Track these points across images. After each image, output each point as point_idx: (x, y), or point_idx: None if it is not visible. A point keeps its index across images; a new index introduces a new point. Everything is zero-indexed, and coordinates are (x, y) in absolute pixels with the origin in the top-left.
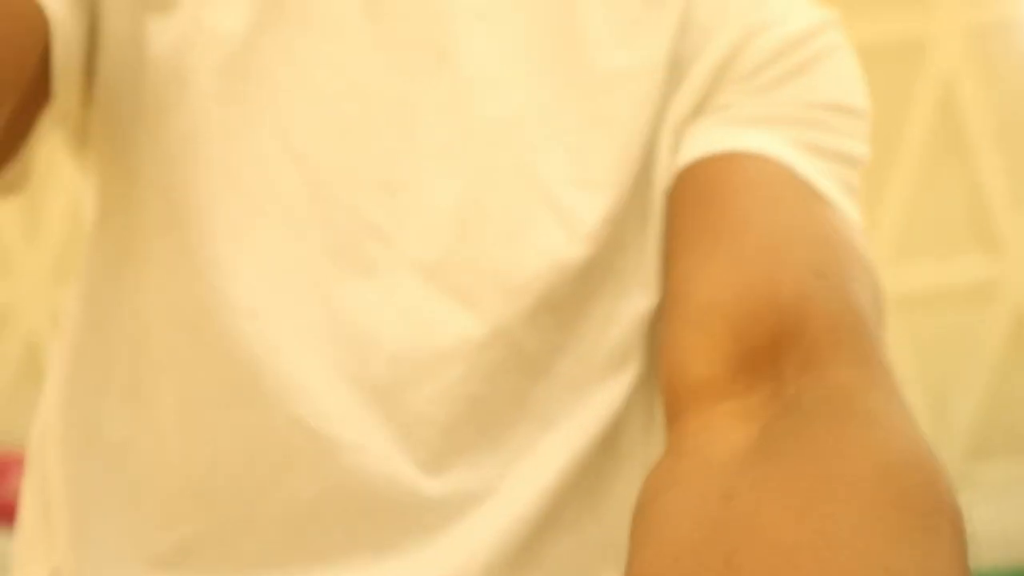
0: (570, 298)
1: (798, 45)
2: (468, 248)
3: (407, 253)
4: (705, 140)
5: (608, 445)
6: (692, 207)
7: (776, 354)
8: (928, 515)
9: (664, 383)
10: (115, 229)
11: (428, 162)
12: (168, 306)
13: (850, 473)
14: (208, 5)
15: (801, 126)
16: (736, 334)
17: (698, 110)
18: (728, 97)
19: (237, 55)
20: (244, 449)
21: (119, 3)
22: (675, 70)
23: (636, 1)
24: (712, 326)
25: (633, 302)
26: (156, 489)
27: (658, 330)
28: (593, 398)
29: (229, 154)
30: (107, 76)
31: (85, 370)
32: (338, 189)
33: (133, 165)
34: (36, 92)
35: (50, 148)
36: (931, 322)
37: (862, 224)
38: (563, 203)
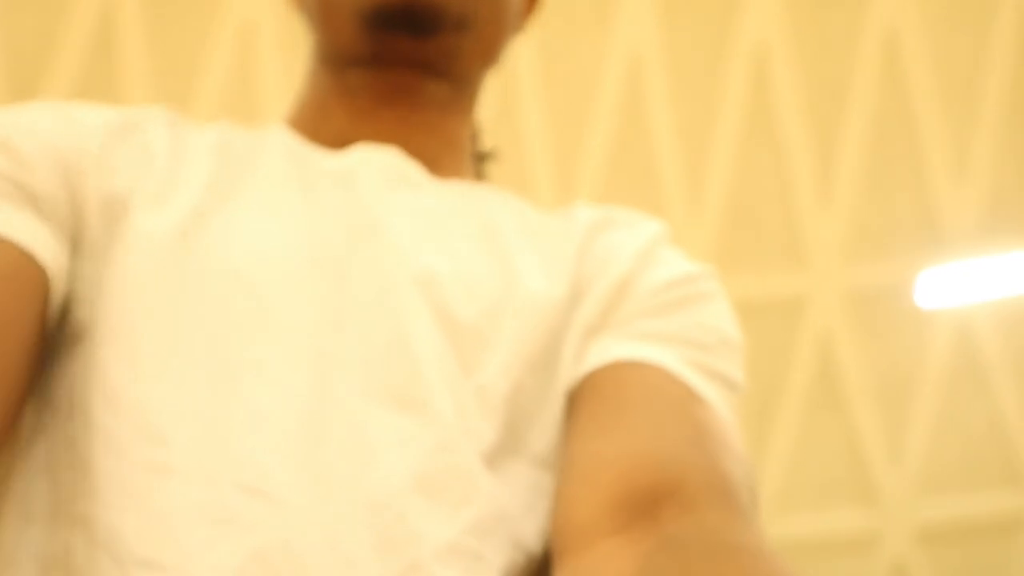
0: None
1: (688, 281)
2: (404, 374)
3: (357, 382)
4: (605, 351)
5: None
6: (589, 402)
7: (655, 500)
8: None
9: (552, 530)
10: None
11: (361, 308)
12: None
13: None
14: (145, 211)
15: (689, 347)
16: (619, 482)
17: (600, 324)
18: (626, 315)
19: (176, 242)
20: None
21: (93, 234)
22: (574, 289)
23: (551, 237)
24: (598, 478)
25: (534, 474)
26: None
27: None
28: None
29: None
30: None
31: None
32: (291, 326)
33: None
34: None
35: None
36: (813, 572)
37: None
38: (471, 356)
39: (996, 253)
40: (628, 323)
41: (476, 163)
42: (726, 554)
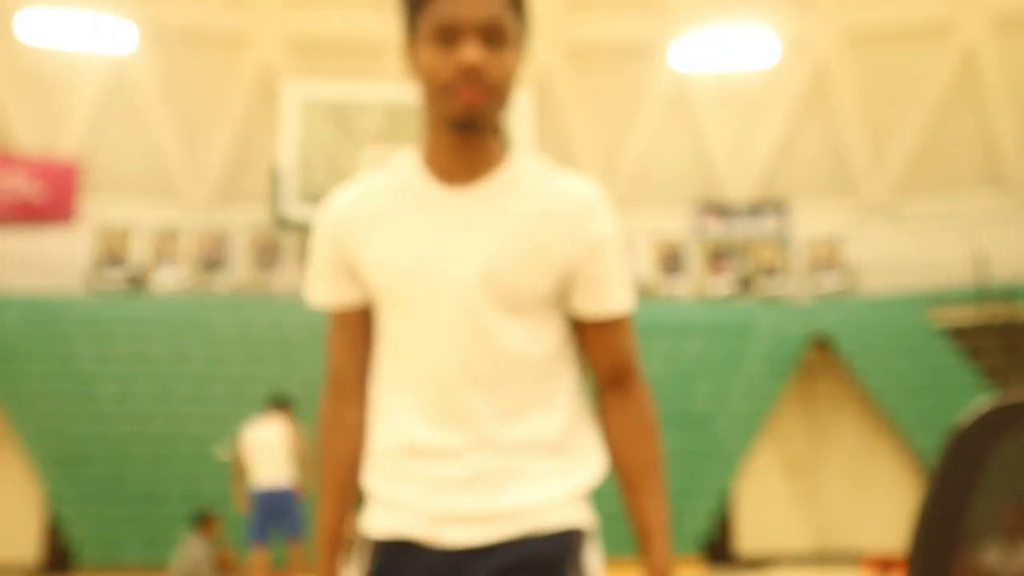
0: None
1: None
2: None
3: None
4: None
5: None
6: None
7: (623, 378)
8: (656, 432)
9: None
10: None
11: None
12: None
13: (641, 420)
14: (371, 245)
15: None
16: (610, 368)
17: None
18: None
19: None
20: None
21: (352, 266)
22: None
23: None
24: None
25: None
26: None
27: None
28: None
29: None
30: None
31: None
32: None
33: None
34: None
35: None
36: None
37: None
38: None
39: None
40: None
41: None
42: (639, 407)
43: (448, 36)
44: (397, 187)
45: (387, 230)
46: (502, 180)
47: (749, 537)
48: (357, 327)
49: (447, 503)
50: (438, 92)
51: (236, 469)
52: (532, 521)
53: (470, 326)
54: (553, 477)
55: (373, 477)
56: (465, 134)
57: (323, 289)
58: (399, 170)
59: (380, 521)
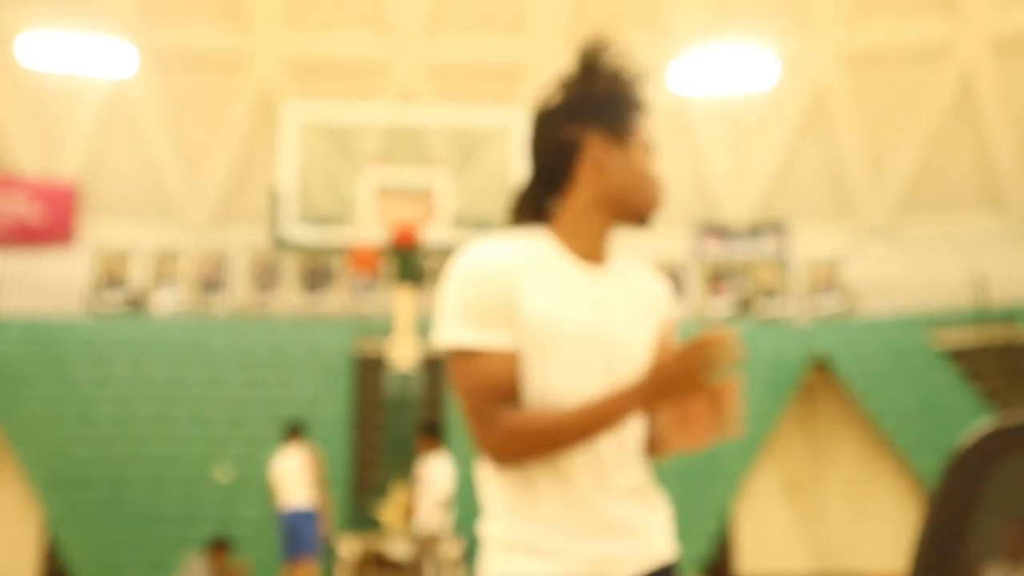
0: None
1: None
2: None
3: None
4: None
5: None
6: None
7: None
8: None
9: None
10: None
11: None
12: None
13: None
14: (529, 295)
15: None
16: None
17: None
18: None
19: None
20: (572, 482)
21: (512, 322)
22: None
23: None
24: None
25: None
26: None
27: None
28: None
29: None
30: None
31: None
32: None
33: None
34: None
35: None
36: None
37: None
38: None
39: None
40: None
41: None
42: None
43: (648, 149)
44: (538, 255)
45: (544, 287)
46: (619, 266)
47: (749, 559)
48: (511, 366)
49: (602, 549)
50: (636, 190)
51: (271, 494)
52: (657, 558)
53: (609, 379)
54: (653, 518)
55: (539, 526)
56: (629, 228)
57: (466, 328)
58: (535, 242)
59: (543, 568)
